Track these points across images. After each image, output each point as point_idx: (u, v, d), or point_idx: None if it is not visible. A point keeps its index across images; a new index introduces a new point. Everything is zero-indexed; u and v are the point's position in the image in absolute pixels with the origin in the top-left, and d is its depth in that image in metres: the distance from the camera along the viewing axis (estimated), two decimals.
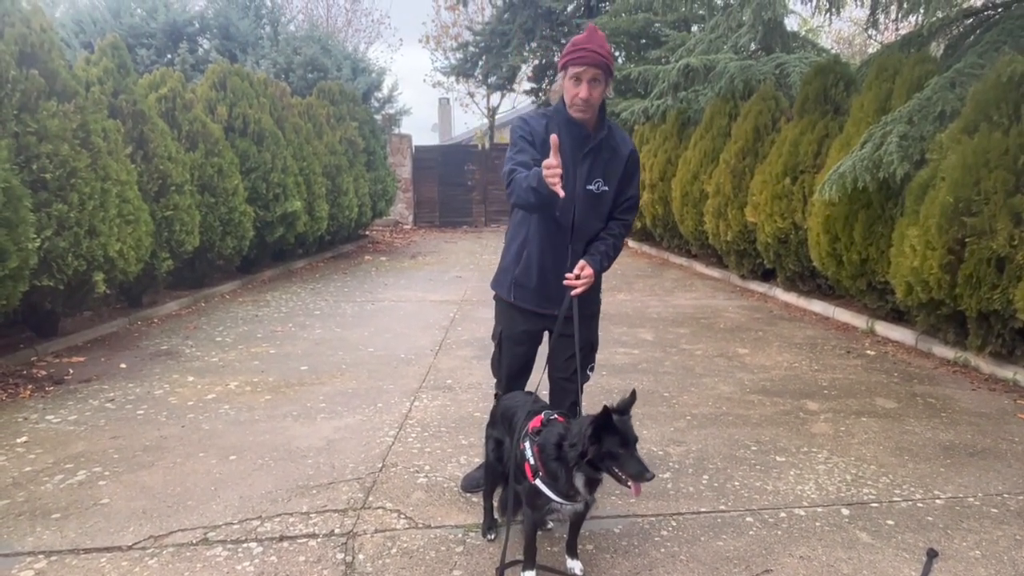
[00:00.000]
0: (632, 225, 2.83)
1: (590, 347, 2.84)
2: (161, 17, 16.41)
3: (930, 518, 2.88)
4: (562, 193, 2.33)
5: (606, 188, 2.66)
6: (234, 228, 8.21)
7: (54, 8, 16.65)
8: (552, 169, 2.27)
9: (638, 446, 2.14)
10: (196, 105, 8.20)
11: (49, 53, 5.29)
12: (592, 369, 2.88)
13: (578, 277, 2.59)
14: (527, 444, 2.32)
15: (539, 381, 2.82)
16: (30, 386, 4.53)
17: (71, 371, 4.93)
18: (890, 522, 2.84)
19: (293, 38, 18.05)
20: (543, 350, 2.91)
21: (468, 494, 3.05)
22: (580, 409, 2.68)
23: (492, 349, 3.02)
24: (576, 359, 2.65)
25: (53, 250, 5.02)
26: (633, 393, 2.20)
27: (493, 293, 2.96)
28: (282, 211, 9.42)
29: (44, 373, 4.85)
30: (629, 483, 2.09)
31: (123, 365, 5.11)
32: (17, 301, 4.74)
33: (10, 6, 5.15)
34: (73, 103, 5.36)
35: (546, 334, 2.87)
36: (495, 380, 3.05)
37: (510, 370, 2.92)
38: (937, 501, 3.03)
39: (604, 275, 2.83)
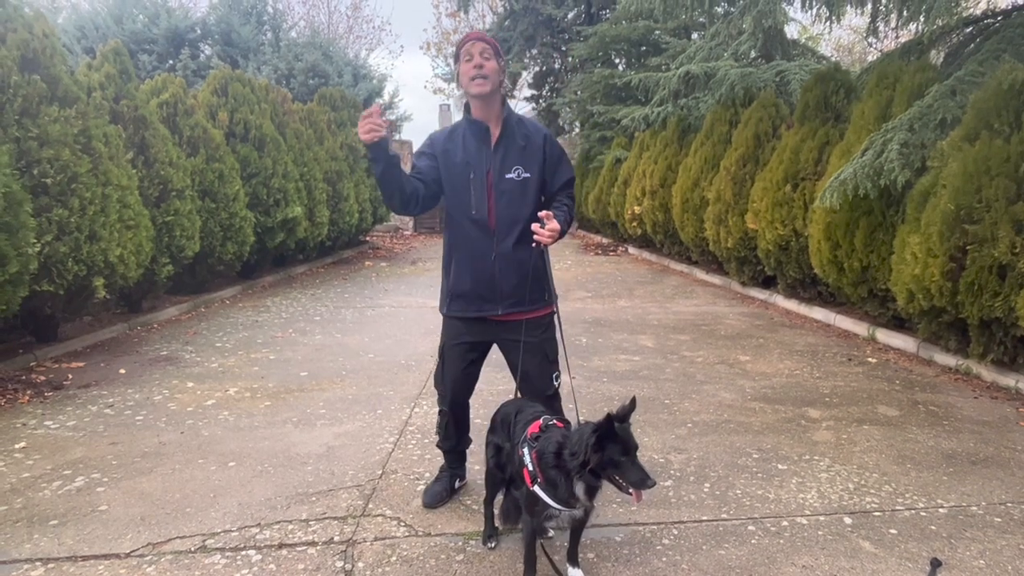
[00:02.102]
0: (575, 202, 2.85)
1: (545, 355, 2.78)
2: (163, 23, 16.49)
3: (933, 527, 2.86)
4: (370, 138, 2.39)
5: (528, 175, 2.68)
6: (235, 233, 8.21)
7: (56, 14, 16.72)
8: (366, 120, 2.37)
9: (638, 453, 2.12)
10: (197, 111, 8.22)
11: (51, 59, 5.30)
12: (558, 378, 2.84)
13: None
14: (525, 450, 2.31)
15: (517, 388, 2.81)
16: (29, 391, 4.51)
17: (70, 376, 4.92)
18: (893, 531, 2.82)
19: (294, 44, 18.12)
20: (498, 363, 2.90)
21: (434, 508, 2.99)
22: (577, 414, 2.67)
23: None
24: (534, 369, 2.73)
25: (53, 255, 5.02)
26: (633, 400, 2.19)
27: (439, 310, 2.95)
28: (283, 217, 9.42)
29: (43, 378, 4.83)
30: (630, 490, 2.08)
31: (122, 371, 5.09)
32: (17, 306, 4.74)
33: (12, 12, 5.17)
34: (75, 108, 5.37)
35: (494, 347, 2.86)
36: (438, 395, 3.02)
37: (454, 383, 2.90)
38: (940, 510, 3.01)
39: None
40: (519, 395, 2.83)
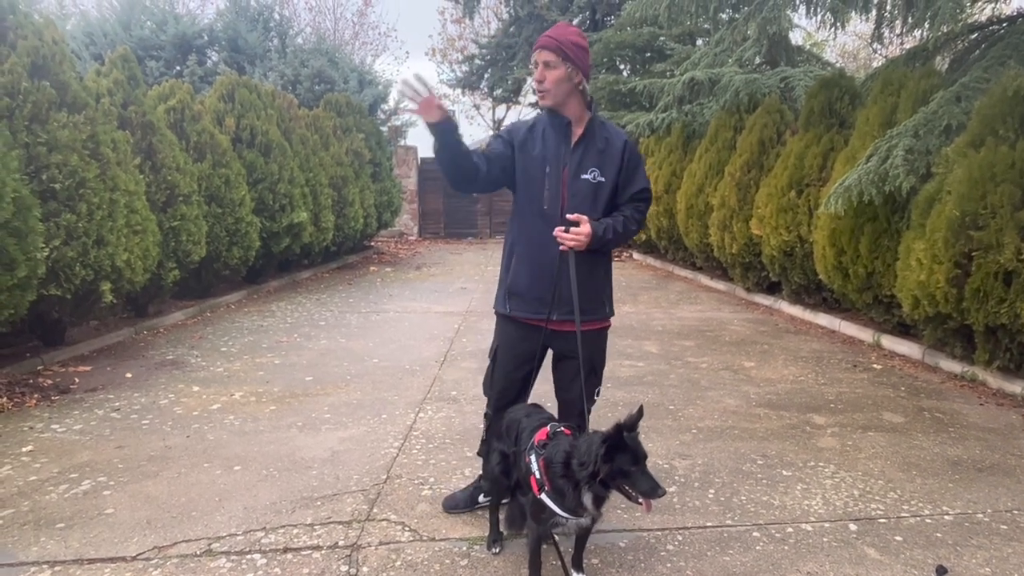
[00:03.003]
0: (646, 217, 2.77)
1: (592, 369, 2.68)
2: (171, 30, 16.60)
3: (939, 534, 2.85)
4: (435, 119, 2.41)
5: (603, 179, 2.60)
6: (240, 238, 8.24)
7: (65, 20, 16.87)
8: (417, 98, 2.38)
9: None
10: (204, 116, 8.28)
11: (61, 65, 5.35)
12: (598, 393, 2.77)
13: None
14: (532, 457, 2.31)
15: (528, 396, 2.82)
16: (36, 395, 4.54)
17: (77, 380, 4.94)
18: (898, 538, 2.82)
19: (300, 50, 18.22)
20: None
21: (449, 512, 2.98)
22: (587, 423, 2.65)
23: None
24: (580, 380, 2.60)
25: (61, 260, 5.05)
26: (640, 409, 2.18)
27: (494, 309, 2.87)
28: (288, 222, 9.46)
29: (50, 382, 4.86)
30: (640, 500, 2.07)
31: (129, 375, 5.12)
32: (25, 310, 4.76)
33: (23, 19, 5.22)
34: (83, 114, 5.41)
35: (550, 352, 2.79)
36: (487, 399, 2.92)
37: (503, 389, 2.81)
38: (946, 517, 3.00)
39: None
40: (559, 403, 2.81)
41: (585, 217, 2.52)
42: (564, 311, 2.60)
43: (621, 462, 2.05)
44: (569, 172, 2.58)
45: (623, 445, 2.06)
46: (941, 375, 5.32)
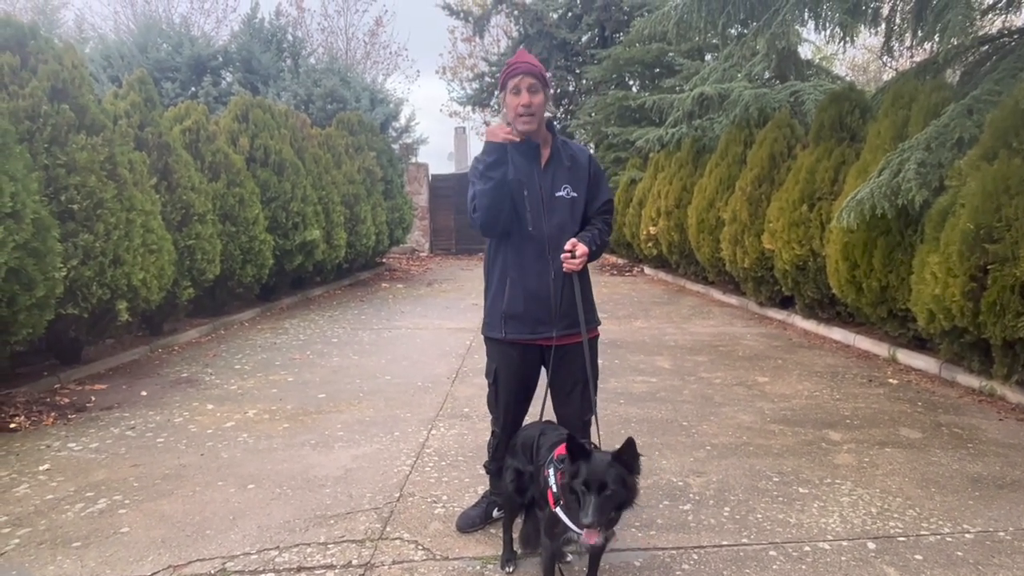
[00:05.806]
0: (613, 226, 2.87)
1: (587, 381, 2.72)
2: (186, 51, 16.89)
3: (960, 553, 2.81)
4: (517, 137, 2.53)
5: (575, 194, 2.71)
6: (254, 257, 8.32)
7: (84, 44, 17.21)
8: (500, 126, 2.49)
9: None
10: (219, 136, 8.40)
11: (79, 88, 5.46)
12: (593, 408, 2.78)
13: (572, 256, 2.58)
14: (551, 471, 2.30)
15: (542, 411, 2.82)
16: (53, 413, 4.58)
17: (93, 398, 4.99)
18: (918, 557, 2.77)
19: (313, 70, 18.45)
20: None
21: (465, 532, 2.98)
22: (591, 433, 2.67)
23: None
24: (577, 391, 2.72)
25: (78, 279, 5.13)
26: (630, 442, 2.12)
27: (486, 336, 2.88)
28: (301, 240, 9.54)
29: (67, 400, 4.91)
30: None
31: (144, 392, 5.16)
32: (43, 329, 4.83)
33: (44, 44, 5.34)
34: (101, 136, 5.52)
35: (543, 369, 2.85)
36: (492, 417, 2.98)
37: (508, 407, 2.86)
38: (966, 535, 2.95)
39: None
40: (558, 418, 2.83)
41: (574, 240, 2.61)
42: (563, 325, 2.70)
43: (574, 480, 2.06)
44: (545, 192, 2.69)
45: (588, 465, 2.06)
46: (959, 390, 5.25)
